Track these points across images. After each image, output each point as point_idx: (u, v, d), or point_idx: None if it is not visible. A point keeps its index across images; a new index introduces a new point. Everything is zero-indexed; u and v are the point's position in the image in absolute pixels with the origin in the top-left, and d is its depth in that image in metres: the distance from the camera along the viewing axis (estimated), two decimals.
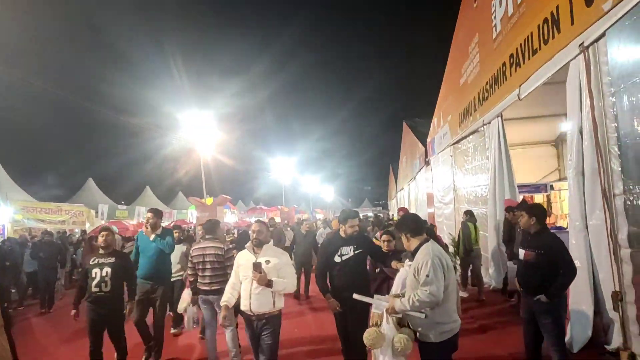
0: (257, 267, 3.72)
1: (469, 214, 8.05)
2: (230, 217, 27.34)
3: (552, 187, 12.51)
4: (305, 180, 52.62)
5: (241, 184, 63.48)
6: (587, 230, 4.43)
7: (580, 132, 4.46)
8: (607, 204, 4.03)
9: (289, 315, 7.33)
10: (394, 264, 4.15)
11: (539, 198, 13.67)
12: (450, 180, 11.49)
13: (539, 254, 3.67)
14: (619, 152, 3.88)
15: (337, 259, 4.24)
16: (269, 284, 3.70)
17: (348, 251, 4.23)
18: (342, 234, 4.31)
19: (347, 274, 4.18)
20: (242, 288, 3.87)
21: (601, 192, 4.09)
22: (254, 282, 3.72)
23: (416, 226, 3.24)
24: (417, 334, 3.13)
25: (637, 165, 3.64)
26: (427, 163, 15.25)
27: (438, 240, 6.55)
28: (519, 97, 6.04)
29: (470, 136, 9.27)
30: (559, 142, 13.43)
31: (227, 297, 3.97)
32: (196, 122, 15.88)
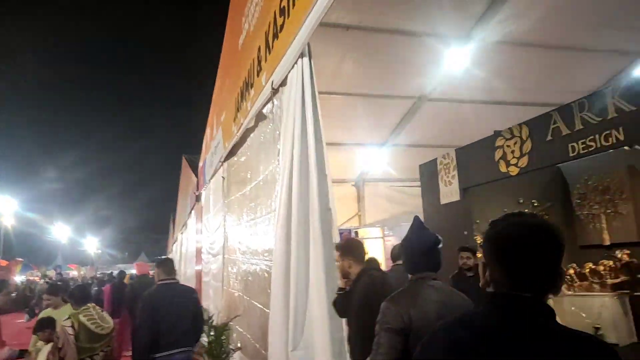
0: None
1: None
2: None
3: (356, 234, 9.64)
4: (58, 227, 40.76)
5: None
6: None
7: None
8: None
9: None
10: None
11: None
12: (220, 218, 7.13)
13: None
14: None
15: None
16: None
17: None
18: None
19: None
20: None
21: None
22: None
23: None
24: None
25: None
26: (197, 199, 10.66)
27: None
28: None
29: (252, 134, 5.22)
30: (359, 182, 10.91)
31: None
32: None
